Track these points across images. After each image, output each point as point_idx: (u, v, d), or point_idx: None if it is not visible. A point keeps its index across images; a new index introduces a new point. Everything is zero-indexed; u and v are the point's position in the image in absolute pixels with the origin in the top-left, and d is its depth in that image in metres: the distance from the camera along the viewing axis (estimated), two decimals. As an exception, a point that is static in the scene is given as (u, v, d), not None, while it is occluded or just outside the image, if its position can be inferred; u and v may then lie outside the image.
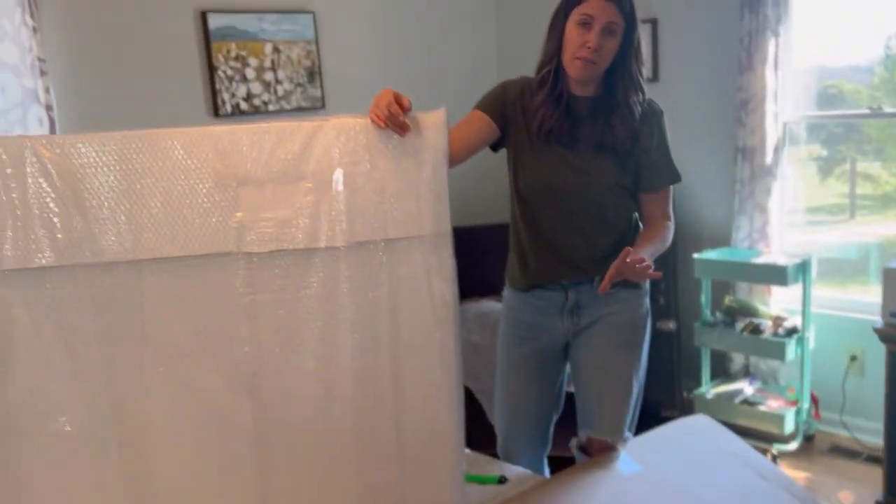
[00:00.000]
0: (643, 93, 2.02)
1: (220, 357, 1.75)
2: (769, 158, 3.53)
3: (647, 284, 2.19)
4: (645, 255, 1.87)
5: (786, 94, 3.55)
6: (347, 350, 1.80)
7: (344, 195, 1.76)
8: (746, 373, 3.75)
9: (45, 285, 1.66)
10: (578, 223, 2.04)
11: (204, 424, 1.78)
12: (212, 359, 1.75)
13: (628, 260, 1.80)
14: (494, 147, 2.11)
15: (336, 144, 1.75)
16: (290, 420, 1.81)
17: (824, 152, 3.76)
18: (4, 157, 1.60)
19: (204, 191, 1.70)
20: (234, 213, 1.71)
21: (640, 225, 2.13)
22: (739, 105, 3.54)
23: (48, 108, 2.94)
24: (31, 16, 2.88)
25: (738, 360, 3.77)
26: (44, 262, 1.64)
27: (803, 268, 3.31)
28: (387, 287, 1.80)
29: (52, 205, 1.63)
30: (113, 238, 1.67)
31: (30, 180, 1.62)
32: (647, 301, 2.19)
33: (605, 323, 2.12)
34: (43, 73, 2.92)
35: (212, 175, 1.70)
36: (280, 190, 1.73)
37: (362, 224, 1.77)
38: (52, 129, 2.95)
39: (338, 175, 1.75)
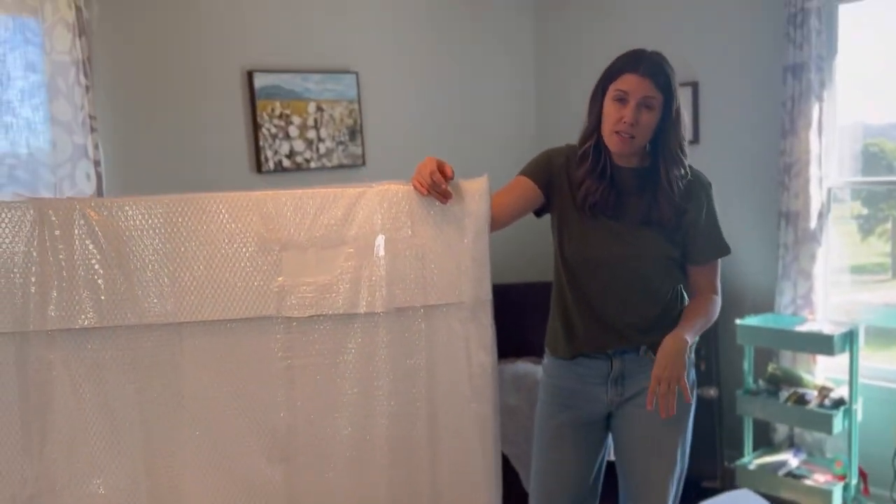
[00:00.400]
0: (684, 167, 2.00)
1: (255, 421, 1.74)
2: (813, 223, 3.46)
3: (693, 354, 2.14)
4: (692, 331, 1.87)
5: (829, 157, 3.51)
6: (384, 418, 1.78)
7: (385, 261, 1.75)
8: (791, 444, 3.63)
9: (87, 346, 1.67)
10: (625, 294, 2.01)
11: (237, 488, 1.76)
12: (248, 423, 1.74)
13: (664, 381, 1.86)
14: (538, 213, 2.10)
15: (378, 210, 1.75)
16: (323, 487, 1.78)
17: (865, 211, 3.69)
18: (54, 219, 1.63)
19: (247, 255, 1.71)
20: (276, 278, 1.72)
21: (686, 295, 2.09)
22: (783, 169, 3.49)
23: (96, 163, 3.01)
24: (85, 75, 2.97)
25: (781, 429, 3.65)
26: (86, 322, 1.65)
27: (850, 337, 3.21)
28: (425, 354, 1.78)
29: (97, 266, 1.65)
30: (155, 300, 1.68)
31: (77, 242, 1.64)
32: (693, 372, 2.13)
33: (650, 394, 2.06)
34: (93, 129, 3.00)
35: (255, 239, 1.71)
36: (322, 255, 1.74)
37: (402, 290, 1.76)
38: (100, 184, 3.02)
39: (379, 241, 1.75)
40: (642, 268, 1.99)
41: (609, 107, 1.96)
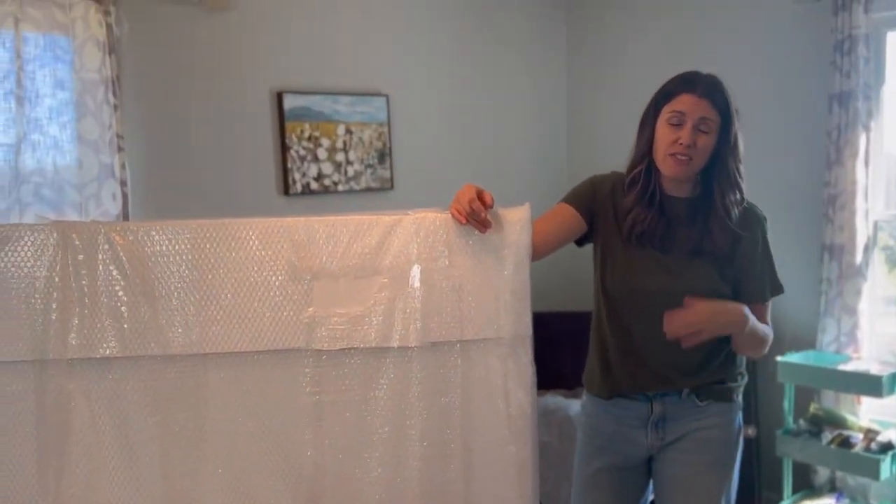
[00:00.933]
0: (741, 192, 1.90)
1: (281, 459, 1.65)
2: (859, 257, 3.33)
3: (740, 398, 2.02)
4: (752, 324, 1.84)
5: (875, 189, 3.38)
6: (416, 459, 1.68)
7: (420, 292, 1.66)
8: (832, 487, 3.47)
9: (108, 376, 1.60)
10: None
11: (259, 529, 1.66)
12: (273, 461, 1.65)
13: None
14: (580, 242, 2.01)
15: (414, 239, 1.67)
16: (350, 531, 1.68)
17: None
18: (77, 243, 1.57)
19: (277, 284, 1.63)
20: (306, 308, 1.63)
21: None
22: (827, 201, 3.37)
23: (122, 183, 2.96)
24: (114, 93, 2.93)
25: (823, 472, 3.49)
26: (108, 352, 1.58)
27: (899, 377, 3.07)
28: (460, 392, 1.69)
29: (120, 293, 1.58)
30: (180, 330, 1.60)
31: (101, 268, 1.57)
32: (740, 416, 2.02)
33: (693, 439, 1.95)
34: (120, 149, 2.95)
35: (286, 268, 1.63)
36: (354, 285, 1.65)
37: (437, 324, 1.67)
38: (125, 204, 2.96)
39: (415, 271, 1.66)
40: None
41: (663, 129, 1.86)
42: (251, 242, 1.62)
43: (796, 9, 3.50)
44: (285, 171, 3.48)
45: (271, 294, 1.63)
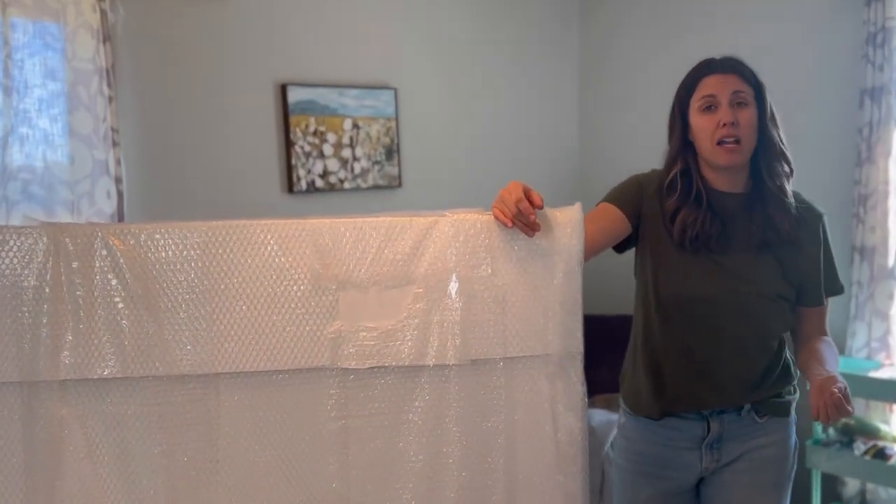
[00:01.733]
0: (789, 164, 1.76)
1: (303, 492, 1.46)
2: (891, 259, 3.17)
3: (794, 412, 1.86)
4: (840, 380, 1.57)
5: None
6: (453, 491, 1.50)
7: (459, 304, 1.48)
8: (862, 500, 3.31)
9: (106, 399, 1.41)
10: (735, 340, 1.73)
11: (276, 569, 1.48)
12: (293, 494, 1.46)
13: (835, 389, 1.50)
14: (620, 247, 1.83)
15: (453, 244, 1.48)
16: (379, 572, 1.49)
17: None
18: (71, 248, 1.37)
19: (298, 294, 1.44)
20: (332, 322, 1.45)
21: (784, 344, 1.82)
22: (858, 200, 3.21)
23: (118, 180, 2.77)
24: (109, 84, 2.73)
25: (852, 484, 3.33)
26: (106, 372, 1.39)
27: (938, 387, 2.91)
28: (504, 416, 1.51)
29: (121, 305, 1.39)
30: (189, 347, 1.41)
31: (97, 276, 1.38)
32: (795, 432, 1.85)
33: (750, 459, 1.79)
34: (115, 143, 2.75)
35: (308, 276, 1.44)
36: (385, 295, 1.47)
37: (478, 339, 1.49)
38: (120, 203, 2.77)
39: (453, 280, 1.48)
40: (757, 305, 1.72)
41: (699, 120, 1.72)
42: (269, 247, 1.44)
43: (827, 0, 3.34)
44: (289, 168, 3.28)
45: (292, 306, 1.44)
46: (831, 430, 3.23)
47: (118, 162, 2.76)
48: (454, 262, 1.48)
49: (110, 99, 2.74)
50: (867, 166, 3.19)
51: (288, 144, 3.27)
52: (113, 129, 2.75)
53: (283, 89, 3.24)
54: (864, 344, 3.25)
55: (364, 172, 3.51)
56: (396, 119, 3.60)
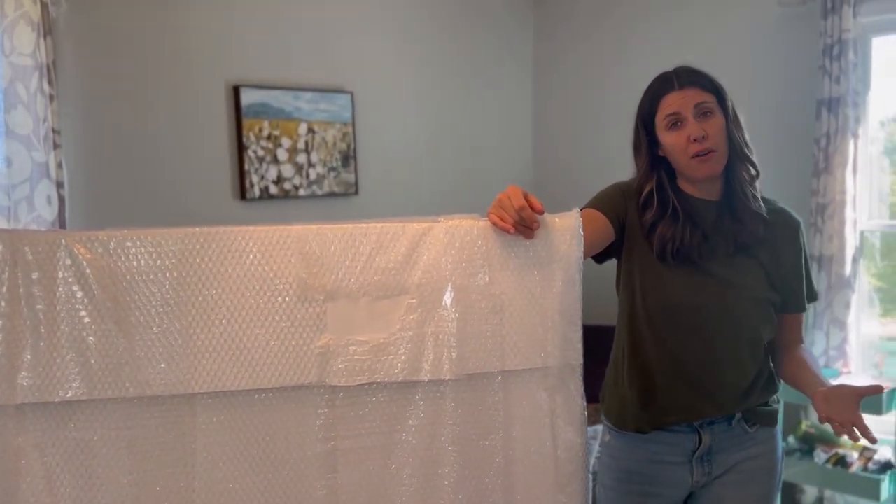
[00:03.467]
0: (754, 166, 1.73)
1: (287, 523, 1.34)
2: (848, 269, 3.22)
3: (780, 422, 1.84)
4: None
5: (861, 199, 3.28)
6: (449, 515, 1.40)
7: (455, 315, 1.39)
8: (820, 507, 3.34)
9: (69, 424, 1.27)
10: (727, 345, 1.69)
11: None
12: (277, 524, 1.34)
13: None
14: (599, 258, 1.77)
15: (448, 252, 1.39)
16: None
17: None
18: (30, 257, 1.23)
19: (283, 306, 1.33)
20: (319, 336, 1.34)
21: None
22: (815, 210, 3.25)
23: (59, 185, 2.59)
24: (49, 82, 2.55)
25: (810, 492, 3.36)
26: (70, 394, 1.25)
27: (896, 394, 2.95)
28: (502, 433, 1.42)
29: (87, 320, 1.25)
30: (163, 365, 1.28)
31: (61, 288, 1.24)
32: (781, 448, 1.83)
33: (740, 471, 1.75)
34: (57, 145, 2.57)
35: (294, 286, 1.33)
36: (377, 307, 1.37)
37: (476, 351, 1.40)
38: (62, 209, 2.59)
39: (449, 290, 1.39)
40: (747, 309, 1.70)
41: (668, 138, 1.69)
42: (251, 255, 1.32)
43: (782, 11, 3.38)
44: (242, 174, 3.14)
45: (276, 319, 1.32)
46: (791, 439, 3.25)
47: (59, 165, 2.58)
48: (449, 271, 1.39)
49: (51, 97, 2.56)
50: (824, 176, 3.23)
51: (240, 149, 3.13)
52: (54, 130, 2.57)
53: (236, 91, 3.10)
54: (822, 352, 3.29)
55: (320, 179, 3.39)
56: (353, 124, 3.49)
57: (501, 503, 1.42)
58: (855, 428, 1.49)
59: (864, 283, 3.37)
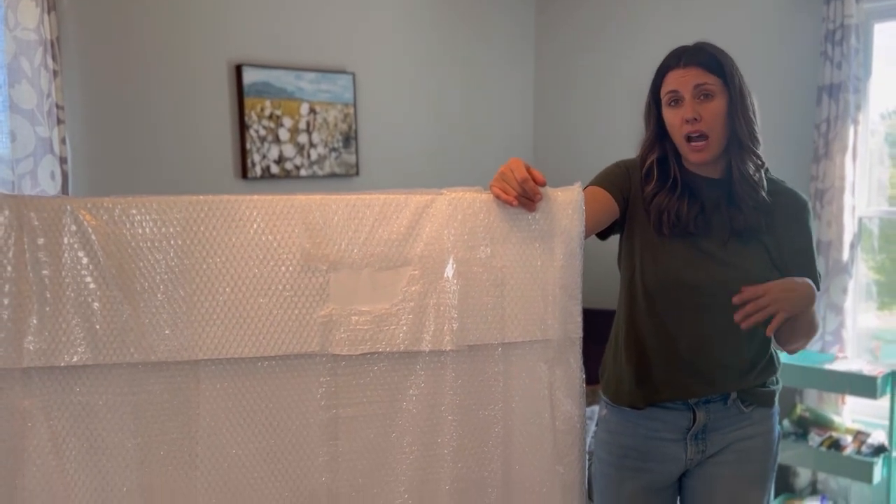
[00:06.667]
0: (757, 156, 1.71)
1: (290, 487, 1.37)
2: (846, 254, 3.24)
3: (777, 403, 1.85)
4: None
5: (861, 185, 3.30)
6: (448, 483, 1.42)
7: (457, 287, 1.40)
8: (813, 490, 3.37)
9: (74, 388, 1.28)
10: (722, 326, 1.69)
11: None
12: (280, 489, 1.36)
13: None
14: (603, 234, 1.78)
15: (450, 224, 1.40)
16: (368, 570, 1.41)
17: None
18: (36, 222, 1.24)
19: (286, 275, 1.34)
20: (322, 305, 1.35)
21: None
22: (814, 195, 3.26)
23: (62, 160, 2.59)
24: (53, 58, 2.55)
25: (804, 475, 3.39)
26: (75, 359, 1.26)
27: (892, 378, 2.98)
28: (501, 404, 1.44)
29: (92, 286, 1.27)
30: (167, 332, 1.30)
31: (66, 254, 1.26)
32: (778, 428, 1.84)
33: (735, 450, 1.76)
34: (60, 121, 2.58)
35: (298, 256, 1.34)
36: (379, 277, 1.38)
37: (476, 323, 1.42)
38: (65, 184, 2.60)
39: (450, 262, 1.40)
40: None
41: (668, 114, 1.70)
42: (255, 225, 1.33)
43: (785, -4, 3.39)
44: (244, 153, 3.15)
45: (279, 288, 1.34)
46: (786, 422, 3.28)
47: (63, 140, 2.59)
48: (451, 243, 1.40)
49: (55, 73, 2.56)
50: (824, 162, 3.24)
51: (242, 128, 3.13)
52: (58, 106, 2.57)
53: (238, 70, 3.10)
54: (819, 337, 3.31)
55: (321, 159, 3.40)
56: (354, 105, 3.50)
57: (500, 472, 1.44)
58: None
59: (862, 270, 3.39)
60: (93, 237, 1.26)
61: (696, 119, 1.64)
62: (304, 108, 3.32)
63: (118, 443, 1.29)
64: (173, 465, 1.32)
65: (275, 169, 3.24)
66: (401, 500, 1.40)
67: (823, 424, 3.20)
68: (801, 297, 1.59)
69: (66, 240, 1.26)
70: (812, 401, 3.34)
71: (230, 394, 1.34)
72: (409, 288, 1.39)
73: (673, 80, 1.68)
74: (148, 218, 1.29)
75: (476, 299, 1.41)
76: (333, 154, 3.44)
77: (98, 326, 1.27)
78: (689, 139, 1.67)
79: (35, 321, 1.25)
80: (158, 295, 1.29)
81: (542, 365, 1.44)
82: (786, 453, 3.19)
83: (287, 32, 3.26)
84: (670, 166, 1.74)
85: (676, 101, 1.67)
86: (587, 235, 1.67)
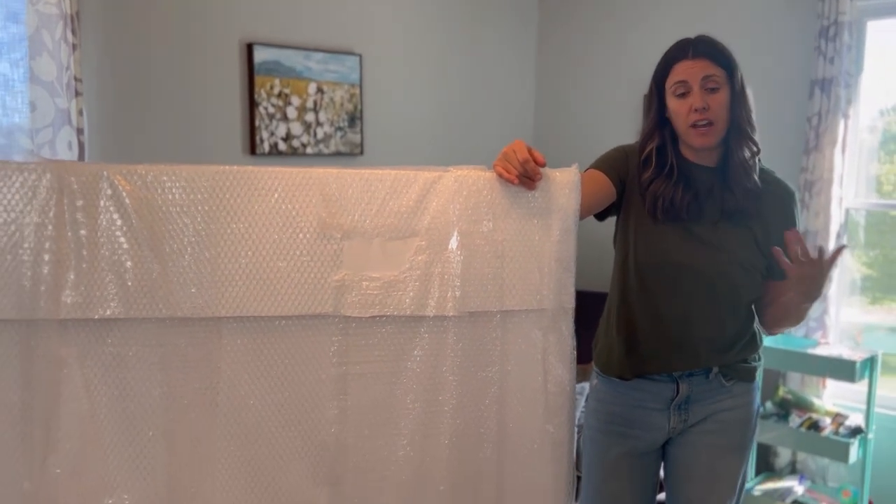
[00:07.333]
0: (755, 144, 1.83)
1: (302, 436, 1.48)
2: (832, 244, 3.35)
3: (760, 378, 1.97)
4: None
5: (849, 177, 3.41)
6: (446, 438, 1.54)
7: (460, 257, 1.52)
8: (793, 469, 3.51)
9: (107, 340, 1.39)
10: (706, 305, 1.81)
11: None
12: (292, 438, 1.48)
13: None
14: (601, 216, 1.90)
15: (456, 199, 1.52)
16: (372, 516, 1.53)
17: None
18: (76, 186, 1.35)
19: (303, 241, 1.45)
20: (336, 270, 1.47)
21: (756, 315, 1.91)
22: (804, 186, 3.38)
23: (79, 131, 2.68)
24: (73, 32, 2.64)
25: (784, 455, 3.53)
26: (108, 312, 1.37)
27: (870, 363, 3.10)
28: (498, 367, 1.56)
29: (125, 245, 1.38)
30: (193, 290, 1.41)
31: (102, 216, 1.36)
32: (759, 398, 1.96)
33: (715, 420, 1.88)
34: (78, 93, 2.67)
35: (314, 224, 1.45)
36: (389, 246, 1.49)
37: (477, 291, 1.53)
38: (81, 155, 2.69)
39: (455, 234, 1.51)
40: (731, 273, 1.80)
41: (674, 104, 1.79)
42: (276, 194, 1.44)
43: (781, -8, 3.48)
44: (252, 129, 3.24)
45: (297, 253, 1.45)
46: (768, 404, 3.41)
47: (80, 112, 2.68)
48: (456, 217, 1.51)
49: (74, 47, 2.65)
50: (814, 154, 3.35)
51: (252, 105, 3.23)
52: (76, 79, 2.66)
53: (250, 48, 3.20)
54: (803, 323, 3.42)
55: (327, 138, 3.50)
56: (360, 86, 3.59)
57: (495, 429, 1.56)
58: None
59: (847, 261, 3.51)
60: (126, 201, 1.37)
61: (705, 108, 1.74)
62: (312, 88, 3.41)
63: (145, 391, 1.41)
64: (195, 413, 1.43)
65: (282, 146, 3.34)
66: (403, 452, 1.52)
67: (804, 406, 3.33)
68: (821, 291, 1.69)
69: (102, 202, 1.36)
70: (795, 384, 3.47)
71: (249, 349, 1.45)
72: (416, 257, 1.50)
73: (682, 71, 1.76)
74: (178, 185, 1.40)
75: (477, 269, 1.52)
76: (339, 133, 3.54)
77: (130, 283, 1.38)
78: (694, 125, 1.76)
79: (72, 277, 1.35)
80: (186, 256, 1.40)
81: (537, 332, 1.56)
82: (767, 434, 3.32)
83: (298, 14, 3.35)
84: (668, 154, 1.84)
85: (684, 91, 1.76)
86: (585, 216, 1.79)
